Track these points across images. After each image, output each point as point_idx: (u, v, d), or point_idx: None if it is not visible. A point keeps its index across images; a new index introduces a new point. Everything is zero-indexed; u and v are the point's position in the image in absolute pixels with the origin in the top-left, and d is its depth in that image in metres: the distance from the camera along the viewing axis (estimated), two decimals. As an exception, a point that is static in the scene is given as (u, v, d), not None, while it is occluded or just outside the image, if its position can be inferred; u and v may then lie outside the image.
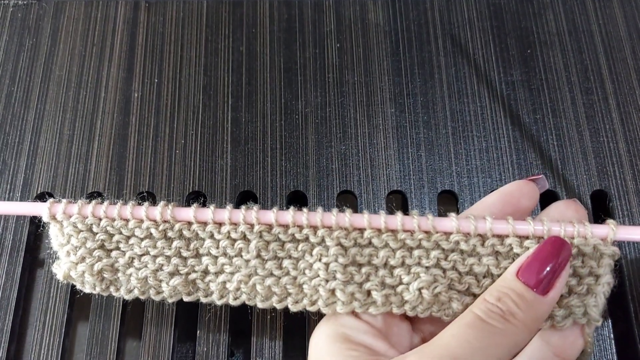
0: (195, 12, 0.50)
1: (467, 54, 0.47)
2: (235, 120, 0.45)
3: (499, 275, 0.32)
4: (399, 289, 0.33)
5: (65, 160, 0.45)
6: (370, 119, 0.45)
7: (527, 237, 0.32)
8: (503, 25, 0.48)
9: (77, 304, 0.41)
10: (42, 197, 0.44)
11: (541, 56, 0.46)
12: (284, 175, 0.43)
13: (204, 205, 0.36)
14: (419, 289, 0.33)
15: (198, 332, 0.39)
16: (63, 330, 0.40)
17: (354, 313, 0.33)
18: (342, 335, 0.31)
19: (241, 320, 0.40)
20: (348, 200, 0.43)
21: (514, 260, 0.32)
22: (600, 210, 0.41)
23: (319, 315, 0.38)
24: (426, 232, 0.33)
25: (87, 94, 0.47)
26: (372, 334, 0.32)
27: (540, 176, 0.35)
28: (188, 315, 0.40)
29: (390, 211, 0.34)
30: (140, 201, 0.36)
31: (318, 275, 0.34)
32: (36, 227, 0.44)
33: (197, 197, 0.43)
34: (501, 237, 0.33)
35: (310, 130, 0.45)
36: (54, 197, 0.43)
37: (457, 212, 0.41)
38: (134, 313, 0.41)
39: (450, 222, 0.33)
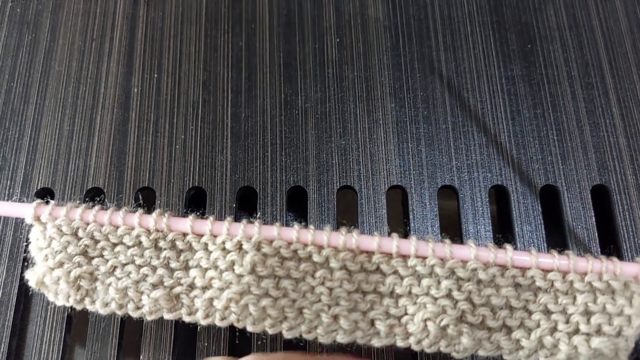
0: (195, 8, 0.49)
1: (467, 49, 0.46)
2: (235, 115, 0.45)
3: (519, 308, 0.31)
4: (404, 320, 0.31)
5: (65, 156, 0.45)
6: (370, 114, 0.45)
7: (549, 270, 0.31)
8: (503, 19, 0.47)
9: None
10: (42, 192, 0.44)
11: (541, 51, 0.46)
12: (284, 171, 0.43)
13: (203, 213, 0.34)
14: (424, 321, 0.31)
15: (199, 327, 0.39)
16: (64, 326, 0.40)
17: None
18: None
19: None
20: (348, 195, 0.43)
21: (535, 293, 0.31)
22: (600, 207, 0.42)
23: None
24: (441, 258, 0.31)
25: (86, 89, 0.47)
26: None
27: None
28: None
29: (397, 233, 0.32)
30: (135, 207, 0.34)
31: (320, 300, 0.31)
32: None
33: (197, 193, 0.43)
34: (522, 269, 0.31)
35: (310, 125, 0.45)
36: (53, 196, 0.43)
37: (458, 207, 0.41)
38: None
39: (469, 250, 0.31)
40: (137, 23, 0.49)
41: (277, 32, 0.48)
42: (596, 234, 0.40)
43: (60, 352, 0.39)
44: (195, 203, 0.44)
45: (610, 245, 0.40)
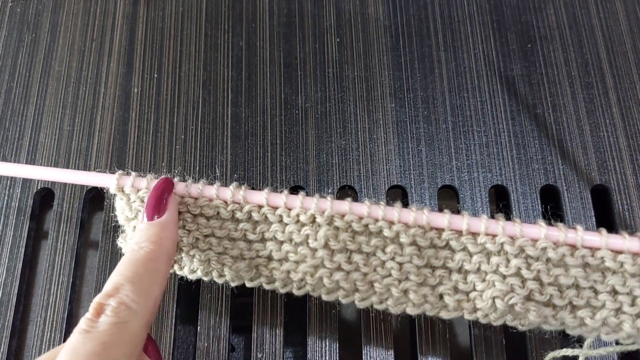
0: (195, 7, 0.49)
1: (467, 49, 0.46)
2: (235, 115, 0.45)
3: (587, 288, 0.31)
4: (472, 295, 0.32)
5: (65, 156, 0.45)
6: (370, 114, 0.45)
7: (620, 252, 0.31)
8: (503, 19, 0.47)
9: (78, 300, 0.41)
10: (42, 192, 0.44)
11: (541, 50, 0.46)
12: (284, 171, 0.43)
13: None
14: (493, 298, 0.31)
15: (199, 327, 0.39)
16: (64, 326, 0.40)
17: None
18: None
19: (242, 316, 0.40)
20: (348, 195, 0.43)
21: (603, 273, 0.31)
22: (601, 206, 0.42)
23: (319, 312, 0.39)
24: (510, 237, 0.31)
25: (86, 89, 0.47)
26: None
27: None
28: (189, 314, 0.41)
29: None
30: (212, 181, 0.35)
31: (390, 275, 0.32)
32: (36, 223, 0.44)
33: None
34: (592, 250, 0.31)
35: (310, 125, 0.45)
36: (53, 196, 0.43)
37: (458, 207, 0.41)
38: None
39: (539, 229, 0.31)
40: (137, 23, 0.49)
41: (278, 31, 0.48)
42: (596, 234, 0.40)
43: (61, 352, 0.39)
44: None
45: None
